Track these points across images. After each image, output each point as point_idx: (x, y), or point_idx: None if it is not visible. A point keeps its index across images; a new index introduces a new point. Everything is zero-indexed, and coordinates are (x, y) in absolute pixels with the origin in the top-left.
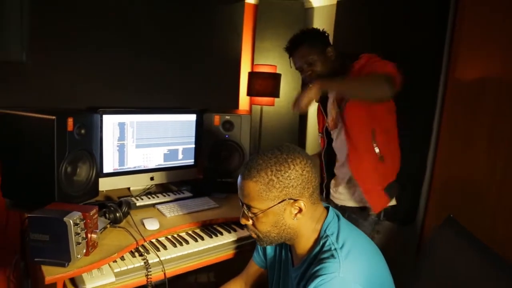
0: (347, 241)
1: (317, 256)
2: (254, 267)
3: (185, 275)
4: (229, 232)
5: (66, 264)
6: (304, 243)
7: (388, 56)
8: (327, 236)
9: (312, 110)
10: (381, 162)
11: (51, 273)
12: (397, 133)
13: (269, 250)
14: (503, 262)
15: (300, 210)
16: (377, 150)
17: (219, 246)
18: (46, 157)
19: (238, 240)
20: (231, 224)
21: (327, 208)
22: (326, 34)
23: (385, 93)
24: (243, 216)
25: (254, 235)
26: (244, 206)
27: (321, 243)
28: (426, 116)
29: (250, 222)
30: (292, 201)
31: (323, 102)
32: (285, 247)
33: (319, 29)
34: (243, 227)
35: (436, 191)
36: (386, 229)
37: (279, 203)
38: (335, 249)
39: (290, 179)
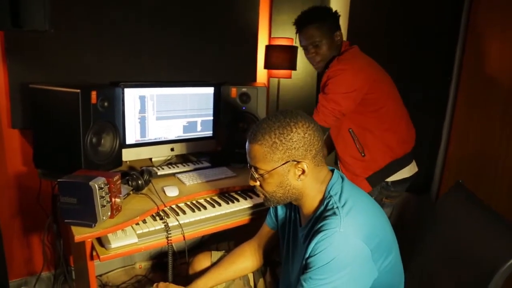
0: (349, 200)
1: (321, 215)
2: (266, 229)
3: (207, 243)
4: (245, 199)
5: (93, 225)
6: (310, 203)
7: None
8: (330, 196)
9: None
10: (362, 156)
11: (80, 233)
12: (383, 128)
13: (280, 212)
14: (508, 224)
15: (303, 172)
16: (357, 145)
17: (235, 212)
18: (72, 129)
19: (254, 206)
20: (247, 192)
21: (332, 171)
22: (338, 15)
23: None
24: (251, 178)
25: (262, 196)
26: (252, 168)
27: (325, 203)
28: (442, 88)
29: (258, 183)
30: (295, 162)
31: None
32: (294, 208)
33: (331, 10)
34: (258, 194)
35: (451, 162)
36: (401, 198)
37: (282, 164)
38: (337, 207)
39: (292, 141)
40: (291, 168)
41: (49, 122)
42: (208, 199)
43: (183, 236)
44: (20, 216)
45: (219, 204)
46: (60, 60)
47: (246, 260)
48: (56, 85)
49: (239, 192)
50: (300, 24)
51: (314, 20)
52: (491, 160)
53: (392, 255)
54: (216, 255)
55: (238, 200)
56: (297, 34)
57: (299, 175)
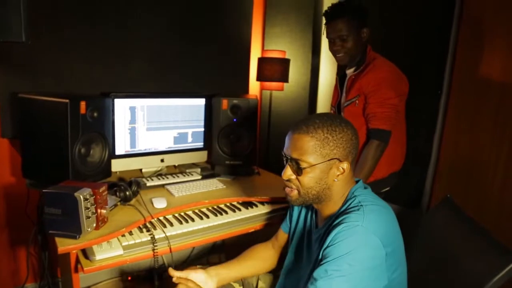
0: (372, 202)
1: (342, 213)
2: (281, 234)
3: (197, 257)
4: (234, 211)
5: (77, 236)
6: (331, 207)
7: (393, 42)
8: (354, 196)
9: (324, 89)
10: None
11: (63, 244)
12: (393, 138)
13: (295, 214)
14: (494, 242)
15: (343, 172)
16: None
17: (224, 224)
18: (61, 139)
19: (242, 220)
20: (236, 205)
21: (356, 181)
22: (367, 13)
23: (380, 156)
24: (289, 171)
25: (293, 192)
26: (292, 161)
27: (348, 203)
28: (432, 99)
29: (294, 176)
30: (338, 161)
31: (341, 78)
32: (311, 211)
33: (361, 6)
34: (247, 207)
35: (441, 175)
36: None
37: (328, 160)
38: (361, 205)
39: (342, 140)
40: (333, 166)
41: (37, 132)
42: (196, 211)
43: (170, 249)
44: (8, 226)
45: (207, 216)
46: (51, 70)
47: (257, 260)
48: (45, 94)
49: (228, 204)
50: (330, 16)
51: (344, 14)
52: (482, 171)
53: (401, 270)
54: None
55: (226, 213)
56: (325, 26)
57: (338, 175)
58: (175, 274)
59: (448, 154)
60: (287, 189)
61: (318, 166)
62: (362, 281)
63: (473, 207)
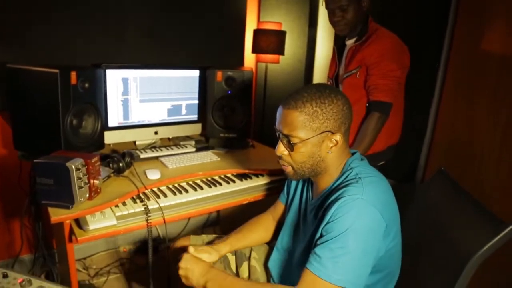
0: (370, 174)
1: (339, 185)
2: (280, 205)
3: (193, 230)
4: (228, 183)
5: (70, 206)
6: (327, 179)
7: (390, 14)
8: (351, 168)
9: (320, 62)
10: None
11: (57, 214)
12: (393, 110)
13: (292, 187)
14: (487, 212)
15: (336, 144)
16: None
17: (218, 195)
18: (52, 110)
19: (236, 191)
20: (230, 177)
21: (353, 153)
22: None
23: (380, 128)
24: (280, 147)
25: (287, 168)
26: (283, 137)
27: (344, 175)
28: (429, 72)
29: (287, 152)
30: (330, 133)
31: (340, 49)
32: (308, 183)
33: None
34: (242, 179)
35: (436, 149)
36: None
37: (319, 134)
38: (359, 177)
39: (332, 112)
40: (325, 139)
41: (28, 103)
42: (190, 182)
43: (163, 219)
44: (1, 198)
45: (201, 188)
46: (42, 41)
47: (262, 230)
48: (35, 65)
49: (222, 176)
50: None
51: None
52: (477, 148)
53: (397, 241)
54: (194, 239)
55: (220, 184)
56: None
57: (331, 147)
58: (193, 253)
59: (444, 128)
60: (282, 166)
61: (310, 140)
62: (365, 254)
63: (468, 181)
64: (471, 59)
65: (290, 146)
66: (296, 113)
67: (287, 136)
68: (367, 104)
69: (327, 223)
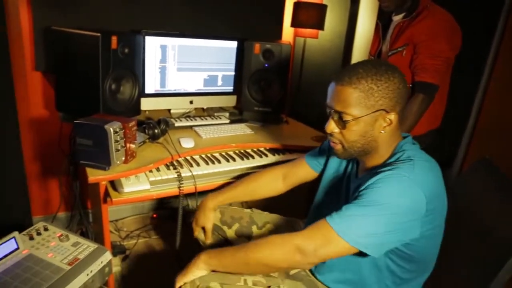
0: (423, 158)
1: (388, 165)
2: (304, 166)
3: None
4: (260, 157)
5: (107, 168)
6: (376, 159)
7: None
8: (404, 150)
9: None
10: None
11: (94, 175)
12: (438, 94)
13: (335, 162)
14: None
15: (390, 123)
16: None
17: (248, 168)
18: (92, 73)
19: (268, 165)
20: (263, 150)
21: (404, 137)
22: None
23: (424, 111)
24: (332, 124)
25: (337, 146)
26: (335, 114)
27: (396, 157)
28: (478, 57)
29: (338, 130)
30: (385, 112)
31: (385, 25)
32: (352, 161)
33: None
34: (274, 153)
35: (480, 137)
36: None
37: (373, 112)
38: (412, 159)
39: (388, 90)
40: (379, 117)
41: (70, 66)
42: (223, 153)
43: (195, 187)
44: (41, 157)
45: (234, 159)
46: (83, 6)
47: (270, 182)
48: (78, 29)
49: (255, 149)
50: None
51: None
52: None
53: (437, 231)
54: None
55: (253, 157)
56: None
57: (385, 126)
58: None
59: (489, 114)
60: (331, 143)
61: (363, 118)
62: (387, 225)
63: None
64: None
65: (342, 124)
66: (350, 89)
67: (339, 113)
68: (410, 85)
69: (365, 188)
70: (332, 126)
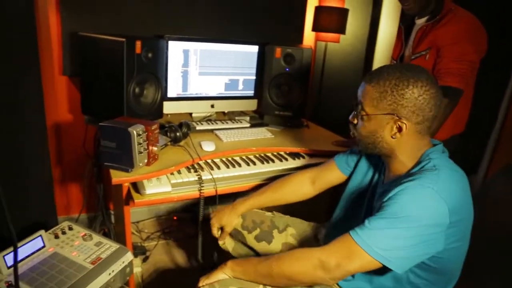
0: (449, 167)
1: (414, 173)
2: (334, 170)
3: None
4: (281, 161)
5: (130, 170)
6: (400, 165)
7: None
8: (430, 159)
9: (382, 45)
10: None
11: (117, 176)
12: (463, 99)
13: (364, 166)
14: None
15: (400, 130)
16: None
17: (269, 172)
18: (117, 77)
19: (288, 169)
20: (283, 154)
21: (435, 144)
22: None
23: (447, 116)
24: (354, 115)
25: (353, 135)
26: (357, 105)
27: (422, 165)
28: (505, 60)
29: (355, 121)
30: (396, 118)
31: (407, 28)
32: (381, 166)
33: None
34: (294, 158)
35: (505, 142)
36: None
37: (383, 114)
38: (437, 168)
39: (403, 97)
40: (390, 121)
41: (95, 70)
42: (243, 157)
43: (216, 190)
44: (65, 159)
45: (254, 163)
46: (108, 12)
47: (299, 187)
48: (103, 34)
49: (275, 153)
50: None
51: None
52: None
53: (462, 243)
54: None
55: (273, 161)
56: None
57: (395, 133)
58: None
59: None
60: (351, 132)
61: (373, 117)
62: (412, 239)
63: None
64: None
65: (358, 116)
66: (369, 87)
67: (359, 106)
68: None
69: (388, 199)
70: (353, 117)
